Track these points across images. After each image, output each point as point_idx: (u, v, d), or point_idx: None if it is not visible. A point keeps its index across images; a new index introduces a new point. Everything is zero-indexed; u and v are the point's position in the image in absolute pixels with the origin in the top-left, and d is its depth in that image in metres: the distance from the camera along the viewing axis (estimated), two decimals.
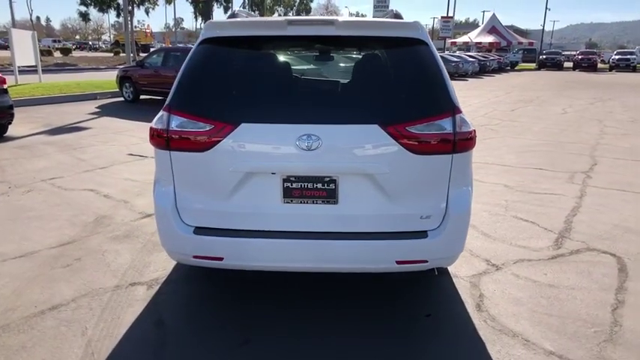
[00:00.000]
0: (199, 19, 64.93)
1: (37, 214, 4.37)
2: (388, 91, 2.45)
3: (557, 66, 37.83)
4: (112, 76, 18.20)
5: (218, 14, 60.84)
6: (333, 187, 2.42)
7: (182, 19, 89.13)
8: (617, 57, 36.49)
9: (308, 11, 71.54)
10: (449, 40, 42.06)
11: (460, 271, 3.29)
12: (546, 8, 44.46)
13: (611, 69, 35.81)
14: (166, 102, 2.49)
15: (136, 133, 8.58)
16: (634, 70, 34.92)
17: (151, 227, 4.08)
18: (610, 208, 4.69)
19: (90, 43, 79.69)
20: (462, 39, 43.54)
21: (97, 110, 11.41)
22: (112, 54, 38.96)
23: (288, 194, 2.44)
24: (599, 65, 38.50)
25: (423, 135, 2.34)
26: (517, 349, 2.48)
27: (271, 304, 2.90)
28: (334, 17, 2.45)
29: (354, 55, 2.57)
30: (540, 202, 4.84)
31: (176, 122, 2.42)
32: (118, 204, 4.69)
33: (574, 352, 2.46)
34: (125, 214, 4.42)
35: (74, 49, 50.09)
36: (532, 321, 2.73)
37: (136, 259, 3.49)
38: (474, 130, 2.45)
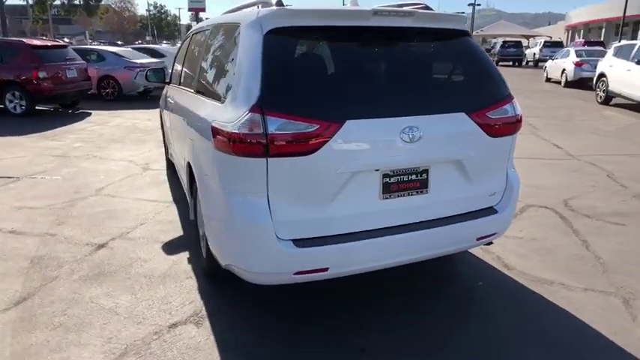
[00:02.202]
0: None
1: None
2: (462, 80, 2.59)
3: None
4: None
5: None
6: (425, 176, 2.47)
7: None
8: None
9: None
10: None
11: None
12: (343, 3, 49.83)
13: None
14: (249, 101, 2.14)
15: None
16: None
17: (119, 259, 3.37)
18: None
19: None
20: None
21: None
22: None
23: (387, 189, 2.39)
24: None
25: (498, 119, 2.56)
26: (562, 291, 2.96)
27: (347, 308, 2.77)
28: (411, 9, 2.46)
29: (415, 46, 2.61)
30: None
31: (275, 125, 2.10)
32: (43, 239, 3.69)
33: (597, 284, 3.05)
34: (67, 249, 3.52)
35: None
36: (550, 268, 3.26)
37: (142, 297, 2.87)
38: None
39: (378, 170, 2.33)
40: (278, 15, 2.27)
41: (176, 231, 3.90)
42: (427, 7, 2.95)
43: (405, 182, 2.42)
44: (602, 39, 34.76)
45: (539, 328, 2.58)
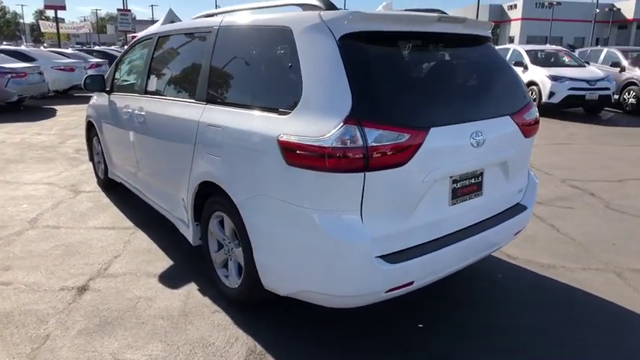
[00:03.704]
0: None
1: None
2: (500, 84, 2.69)
3: None
4: None
5: None
6: (481, 179, 2.53)
7: None
8: None
9: None
10: (130, 35, 40.04)
11: None
12: (216, 6, 48.58)
13: None
14: (339, 112, 1.96)
15: None
16: None
17: (115, 301, 2.85)
18: None
19: None
20: (143, 33, 42.29)
21: None
22: None
23: (455, 195, 2.39)
24: None
25: (529, 120, 2.74)
26: (567, 274, 3.26)
27: (400, 319, 2.71)
28: (463, 15, 2.48)
29: (465, 52, 2.64)
30: None
31: (373, 136, 1.97)
32: None
33: (589, 263, 3.43)
34: (39, 299, 2.86)
35: None
36: (545, 254, 3.58)
37: (175, 343, 2.46)
38: None
39: (452, 177, 2.32)
40: (350, 19, 2.12)
41: (162, 260, 3.43)
42: (443, 12, 3.03)
43: (467, 187, 2.45)
44: None
45: (571, 310, 2.83)
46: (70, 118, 10.31)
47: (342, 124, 1.96)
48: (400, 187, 2.12)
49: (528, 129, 2.73)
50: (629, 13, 49.26)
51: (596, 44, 41.24)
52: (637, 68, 11.50)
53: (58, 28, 29.78)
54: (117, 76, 4.35)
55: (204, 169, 2.71)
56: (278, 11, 2.71)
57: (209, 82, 2.81)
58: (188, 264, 3.35)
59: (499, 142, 2.54)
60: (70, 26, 52.97)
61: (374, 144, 1.97)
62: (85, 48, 25.17)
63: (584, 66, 11.48)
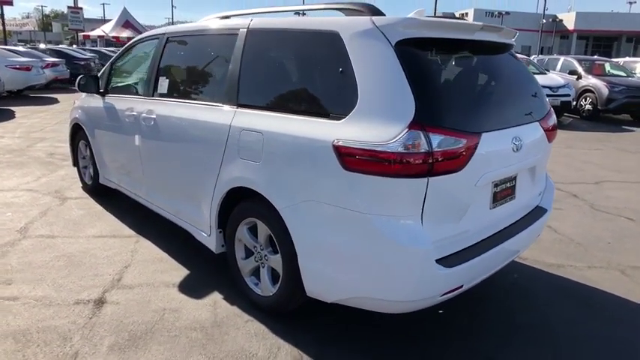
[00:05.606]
0: None
1: None
2: (528, 90, 2.79)
3: None
4: None
5: None
6: (514, 183, 2.61)
7: None
8: None
9: None
10: (81, 34, 38.33)
11: None
12: (172, 6, 47.64)
13: None
14: (402, 117, 1.97)
15: None
16: None
17: (139, 314, 2.71)
18: None
19: None
20: (95, 32, 40.46)
21: None
22: None
23: (495, 199, 2.45)
24: None
25: (552, 126, 2.85)
26: (576, 272, 3.42)
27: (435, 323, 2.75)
28: (499, 25, 2.55)
29: (501, 59, 2.71)
30: None
31: (436, 141, 1.98)
32: (4, 305, 2.73)
33: (592, 262, 3.62)
34: (55, 314, 2.67)
35: None
36: (550, 254, 3.74)
37: (215, 356, 2.37)
38: None
39: (493, 181, 2.38)
40: (404, 25, 2.13)
41: (177, 269, 3.29)
42: (460, 17, 3.10)
43: (504, 190, 2.52)
44: None
45: (596, 308, 2.96)
46: (32, 120, 9.71)
47: (406, 129, 1.96)
48: (457, 192, 2.16)
49: (551, 134, 2.84)
50: (570, 24, 52.40)
51: (541, 52, 43.65)
52: (591, 76, 12.25)
53: (4, 25, 28.02)
54: (113, 77, 4.14)
55: (238, 174, 2.63)
56: (314, 15, 2.69)
57: (239, 86, 2.73)
58: (206, 272, 3.24)
59: (531, 147, 2.63)
60: (12, 22, 49.96)
61: (437, 149, 1.99)
62: (29, 46, 23.72)
63: (545, 73, 12.09)
